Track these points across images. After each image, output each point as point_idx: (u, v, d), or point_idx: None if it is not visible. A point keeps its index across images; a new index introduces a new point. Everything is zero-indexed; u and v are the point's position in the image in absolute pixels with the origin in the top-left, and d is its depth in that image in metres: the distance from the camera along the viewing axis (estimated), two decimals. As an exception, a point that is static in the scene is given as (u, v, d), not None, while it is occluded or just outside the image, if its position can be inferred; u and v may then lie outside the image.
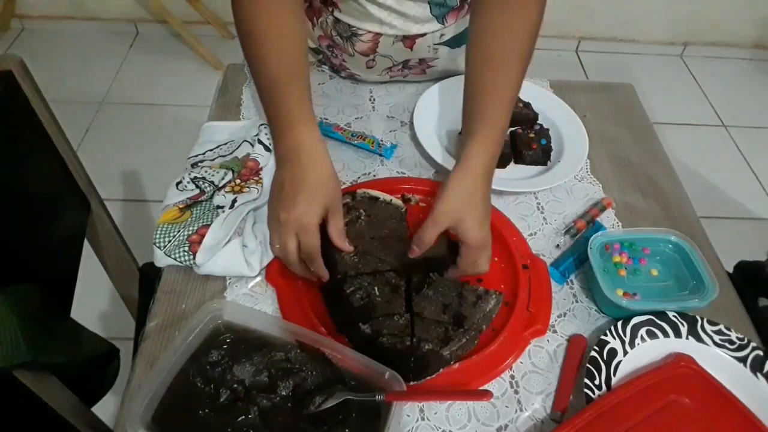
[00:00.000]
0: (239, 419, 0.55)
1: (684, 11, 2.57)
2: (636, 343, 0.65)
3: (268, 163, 0.80)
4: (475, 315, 0.66)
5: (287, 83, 0.69)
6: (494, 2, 0.74)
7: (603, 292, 0.67)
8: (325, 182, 0.66)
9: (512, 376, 0.65)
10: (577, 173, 0.86)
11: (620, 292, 0.69)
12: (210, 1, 2.46)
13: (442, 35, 0.90)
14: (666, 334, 0.66)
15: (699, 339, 0.66)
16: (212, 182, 0.76)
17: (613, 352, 0.64)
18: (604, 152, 0.93)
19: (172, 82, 2.35)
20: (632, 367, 0.64)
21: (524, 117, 0.92)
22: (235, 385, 0.57)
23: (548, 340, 0.68)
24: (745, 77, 2.63)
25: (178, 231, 0.72)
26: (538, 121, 0.92)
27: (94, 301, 1.56)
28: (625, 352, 0.65)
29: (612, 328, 0.66)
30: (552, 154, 0.89)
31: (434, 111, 0.93)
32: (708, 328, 0.67)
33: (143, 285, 1.07)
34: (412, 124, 0.91)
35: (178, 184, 0.77)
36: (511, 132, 0.91)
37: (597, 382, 0.61)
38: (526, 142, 0.88)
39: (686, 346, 0.65)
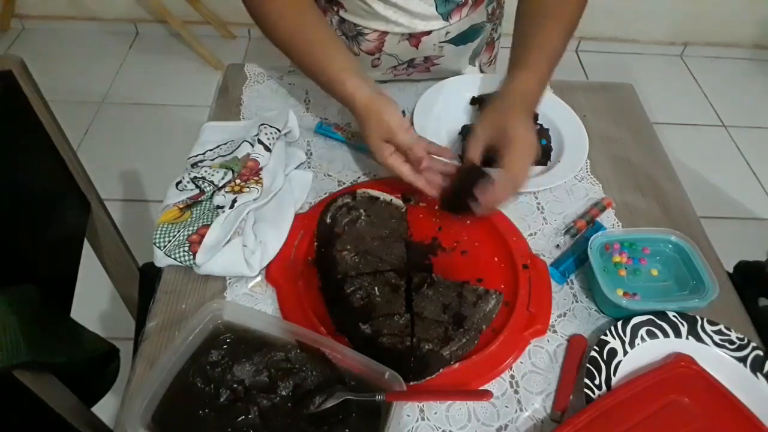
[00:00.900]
0: (239, 419, 0.55)
1: (684, 11, 2.57)
2: (636, 343, 0.65)
3: (268, 163, 0.80)
4: (475, 315, 0.66)
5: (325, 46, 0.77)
6: None
7: (603, 292, 0.67)
8: (380, 121, 0.73)
9: (512, 376, 0.65)
10: (577, 173, 0.86)
11: (620, 292, 0.69)
12: (210, 1, 2.46)
13: (447, 33, 0.91)
14: (666, 334, 0.66)
15: (699, 339, 0.66)
16: (212, 182, 0.76)
17: (613, 352, 0.64)
18: (604, 152, 0.93)
19: (172, 82, 2.35)
20: (632, 367, 0.64)
21: (524, 117, 0.92)
22: (235, 385, 0.57)
23: (548, 340, 0.68)
24: (745, 77, 2.63)
25: (178, 231, 0.72)
26: (538, 121, 0.92)
27: (94, 301, 1.56)
28: (625, 352, 0.65)
29: (612, 328, 0.66)
30: (552, 154, 0.89)
31: (434, 111, 0.93)
32: (708, 328, 0.67)
33: (143, 285, 1.07)
34: (412, 124, 0.91)
35: (178, 184, 0.77)
36: (511, 132, 0.91)
37: (597, 382, 0.61)
38: (526, 142, 0.88)
39: (686, 346, 0.65)
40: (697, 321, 0.67)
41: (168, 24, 2.39)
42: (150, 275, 1.05)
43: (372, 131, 0.74)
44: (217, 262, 0.70)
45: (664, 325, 0.67)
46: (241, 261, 0.70)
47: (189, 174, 0.77)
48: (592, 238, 0.72)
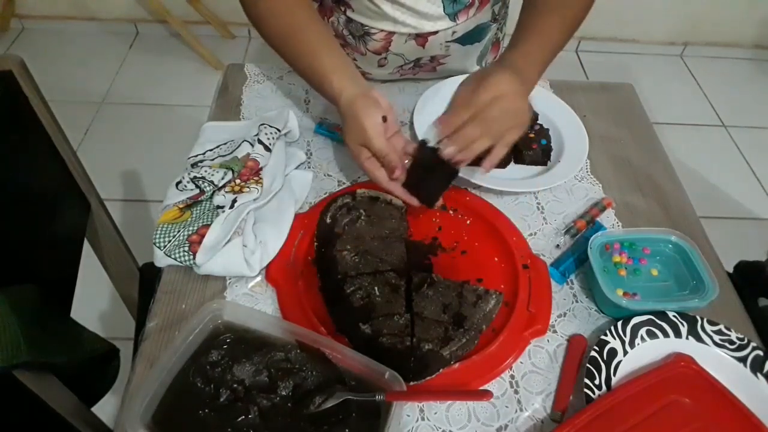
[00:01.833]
0: (239, 419, 0.55)
1: (684, 11, 2.57)
2: (636, 343, 0.65)
3: (268, 163, 0.80)
4: (475, 315, 0.66)
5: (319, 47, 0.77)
6: None
7: (603, 292, 0.67)
8: (357, 124, 0.72)
9: (512, 376, 0.65)
10: (577, 173, 0.86)
11: (620, 292, 0.69)
12: (210, 1, 2.46)
13: (454, 32, 0.91)
14: (666, 334, 0.66)
15: (699, 339, 0.66)
16: (212, 182, 0.76)
17: (613, 352, 0.64)
18: (604, 152, 0.93)
19: (172, 82, 2.35)
20: (632, 367, 0.64)
21: (524, 117, 0.92)
22: (235, 385, 0.57)
23: (548, 340, 0.68)
24: (745, 77, 2.63)
25: (178, 231, 0.72)
26: (538, 121, 0.92)
27: (94, 301, 1.56)
28: (625, 352, 0.65)
29: (612, 328, 0.66)
30: (552, 154, 0.89)
31: (434, 111, 0.92)
32: (708, 328, 0.67)
33: (143, 285, 1.07)
34: (412, 124, 0.91)
35: (178, 184, 0.77)
36: (511, 132, 0.91)
37: (597, 382, 0.61)
38: (526, 142, 0.88)
39: (686, 346, 0.65)
40: (697, 321, 0.67)
41: (168, 24, 2.39)
42: (150, 275, 1.05)
43: (350, 134, 0.73)
44: (217, 262, 0.70)
45: (664, 325, 0.67)
46: (241, 261, 0.70)
47: (189, 174, 0.77)
48: (592, 238, 0.72)
